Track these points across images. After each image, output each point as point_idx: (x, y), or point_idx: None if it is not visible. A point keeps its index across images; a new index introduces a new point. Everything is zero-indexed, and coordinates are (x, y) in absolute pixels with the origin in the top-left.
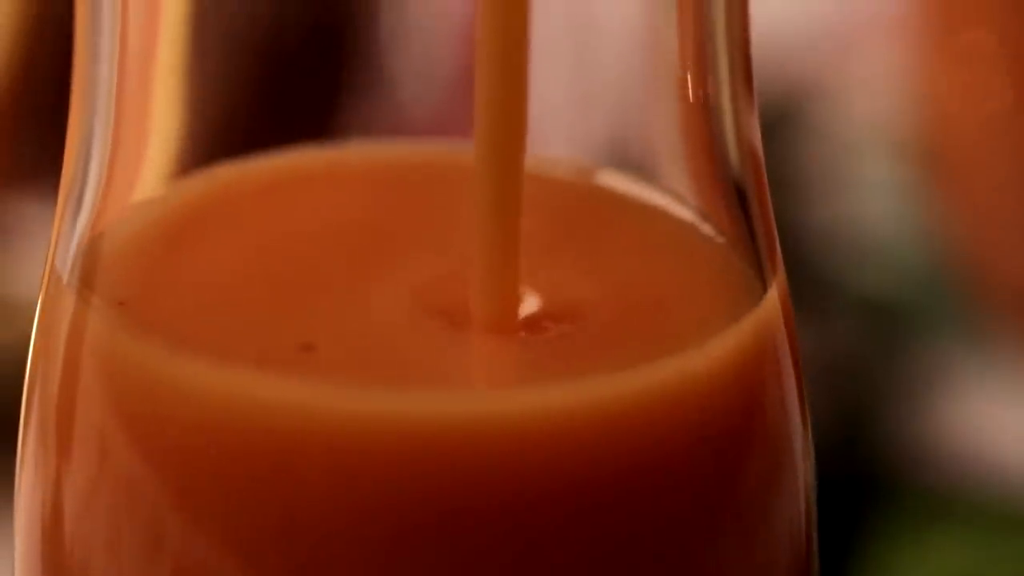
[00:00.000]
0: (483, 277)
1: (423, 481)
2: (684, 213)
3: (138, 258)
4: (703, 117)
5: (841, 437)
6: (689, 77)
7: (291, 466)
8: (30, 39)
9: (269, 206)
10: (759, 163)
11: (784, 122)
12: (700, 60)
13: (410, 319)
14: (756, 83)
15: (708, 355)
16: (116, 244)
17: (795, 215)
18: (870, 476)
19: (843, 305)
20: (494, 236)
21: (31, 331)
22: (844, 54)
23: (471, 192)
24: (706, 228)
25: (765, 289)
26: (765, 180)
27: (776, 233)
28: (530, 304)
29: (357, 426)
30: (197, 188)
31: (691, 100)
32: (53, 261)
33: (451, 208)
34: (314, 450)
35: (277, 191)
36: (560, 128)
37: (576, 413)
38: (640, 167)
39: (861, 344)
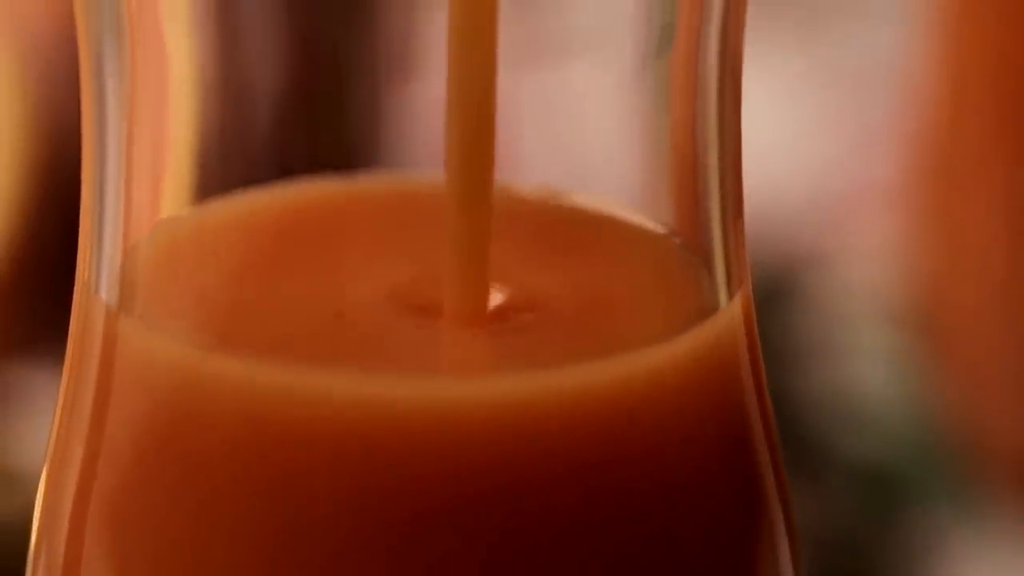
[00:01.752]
0: (456, 276)
1: (412, 462)
2: (653, 226)
3: (167, 274)
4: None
5: None
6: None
7: (295, 451)
8: (33, 209)
9: (282, 226)
10: (751, 324)
11: (780, 291)
12: (694, 223)
13: (397, 316)
14: (752, 254)
15: (675, 350)
16: (145, 261)
17: (791, 383)
18: None
19: (839, 473)
20: (464, 234)
21: (34, 502)
22: (840, 223)
23: (445, 196)
24: (675, 240)
25: (730, 296)
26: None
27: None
28: (501, 302)
29: (353, 411)
30: (216, 211)
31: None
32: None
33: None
34: (314, 430)
35: (288, 214)
36: None
37: (547, 398)
38: None
39: (857, 512)
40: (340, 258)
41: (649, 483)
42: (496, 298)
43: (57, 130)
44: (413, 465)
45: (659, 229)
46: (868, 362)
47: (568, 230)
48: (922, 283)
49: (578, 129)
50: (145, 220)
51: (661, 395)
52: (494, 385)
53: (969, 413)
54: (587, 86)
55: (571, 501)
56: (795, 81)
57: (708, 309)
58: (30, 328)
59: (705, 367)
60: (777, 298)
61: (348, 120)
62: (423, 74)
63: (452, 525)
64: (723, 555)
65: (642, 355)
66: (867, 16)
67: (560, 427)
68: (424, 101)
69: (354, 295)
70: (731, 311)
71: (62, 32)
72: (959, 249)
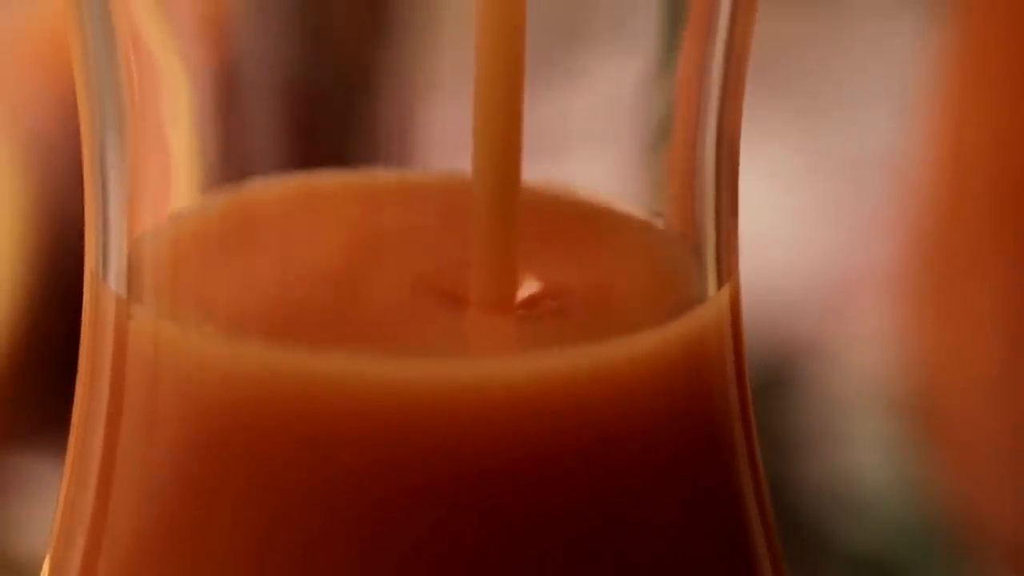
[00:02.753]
0: (485, 266)
1: (439, 438)
2: (650, 218)
3: (179, 264)
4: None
5: None
6: None
7: (329, 428)
8: (35, 298)
9: (296, 216)
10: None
11: (779, 379)
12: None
13: (423, 303)
14: (751, 342)
15: (666, 335)
16: (157, 253)
17: (790, 471)
18: None
19: (838, 561)
20: (494, 227)
21: None
22: (839, 311)
23: (475, 186)
24: (671, 232)
25: (719, 286)
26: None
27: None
28: (525, 290)
29: (383, 389)
30: (226, 201)
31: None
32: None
33: (459, 216)
34: (343, 411)
35: (301, 204)
36: None
37: (573, 376)
38: None
39: None
40: (354, 246)
41: (635, 464)
42: (523, 289)
43: (60, 221)
44: (434, 441)
45: (656, 221)
46: (866, 450)
47: (568, 222)
48: (920, 371)
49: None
50: (151, 211)
51: (651, 380)
52: (497, 366)
53: (967, 501)
54: (584, 178)
55: (566, 478)
56: (793, 170)
57: (697, 298)
58: (32, 418)
59: (693, 352)
60: (776, 386)
61: None
62: (422, 163)
63: (469, 497)
64: (690, 537)
65: (636, 339)
66: (865, 105)
67: (553, 407)
68: None
69: (366, 282)
70: (719, 300)
71: (65, 123)
72: (957, 337)
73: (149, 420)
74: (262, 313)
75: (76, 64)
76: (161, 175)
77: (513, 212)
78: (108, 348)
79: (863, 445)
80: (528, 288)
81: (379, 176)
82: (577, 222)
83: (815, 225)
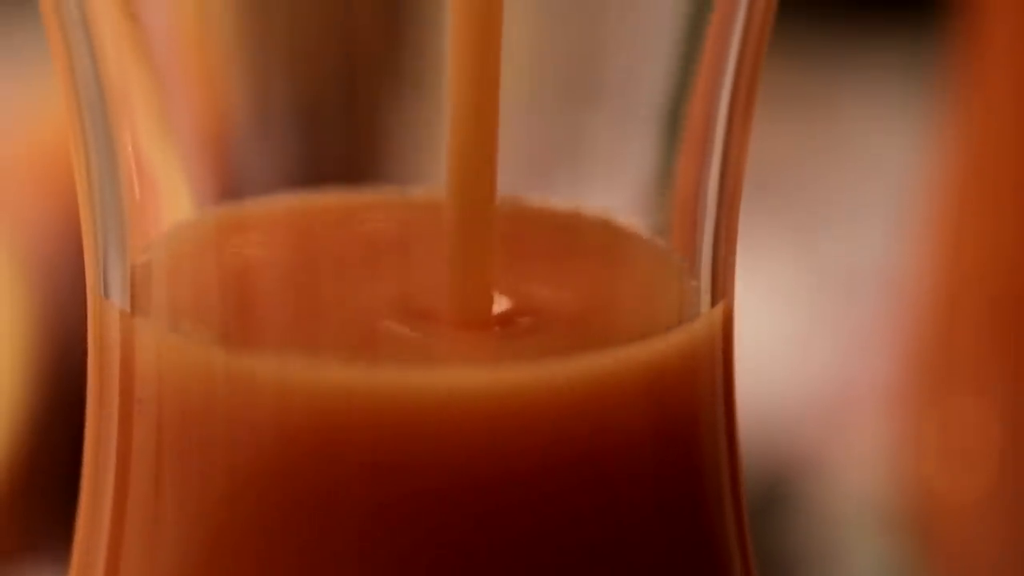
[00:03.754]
0: (460, 283)
1: (426, 449)
2: (646, 234)
3: (182, 277)
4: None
5: None
6: None
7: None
8: (37, 414)
9: (291, 231)
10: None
11: (776, 496)
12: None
13: (419, 314)
14: (748, 459)
15: (659, 348)
16: (159, 264)
17: None
18: None
19: None
20: (466, 244)
21: None
22: (836, 427)
23: (447, 204)
24: (668, 250)
25: (712, 304)
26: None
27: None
28: (503, 305)
29: (384, 398)
30: (228, 215)
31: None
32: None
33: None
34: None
35: (296, 220)
36: None
37: (568, 386)
38: None
39: None
40: (351, 263)
41: (623, 474)
42: (496, 302)
43: (61, 338)
44: (429, 450)
45: (653, 237)
46: (864, 567)
47: (562, 236)
48: (917, 487)
49: None
50: (151, 225)
51: (642, 391)
52: (489, 376)
53: None
54: None
55: (556, 486)
56: (791, 285)
57: (690, 314)
58: (35, 534)
59: (684, 367)
60: (773, 503)
61: None
62: None
63: (461, 505)
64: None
65: (627, 351)
66: (862, 220)
67: (546, 417)
68: None
69: (363, 295)
70: (711, 317)
71: (67, 241)
72: (955, 453)
73: (158, 428)
74: (244, 326)
75: (79, 181)
76: None
77: (487, 233)
78: (115, 362)
79: (861, 562)
80: (515, 303)
81: (381, 192)
82: (572, 236)
83: (812, 340)
